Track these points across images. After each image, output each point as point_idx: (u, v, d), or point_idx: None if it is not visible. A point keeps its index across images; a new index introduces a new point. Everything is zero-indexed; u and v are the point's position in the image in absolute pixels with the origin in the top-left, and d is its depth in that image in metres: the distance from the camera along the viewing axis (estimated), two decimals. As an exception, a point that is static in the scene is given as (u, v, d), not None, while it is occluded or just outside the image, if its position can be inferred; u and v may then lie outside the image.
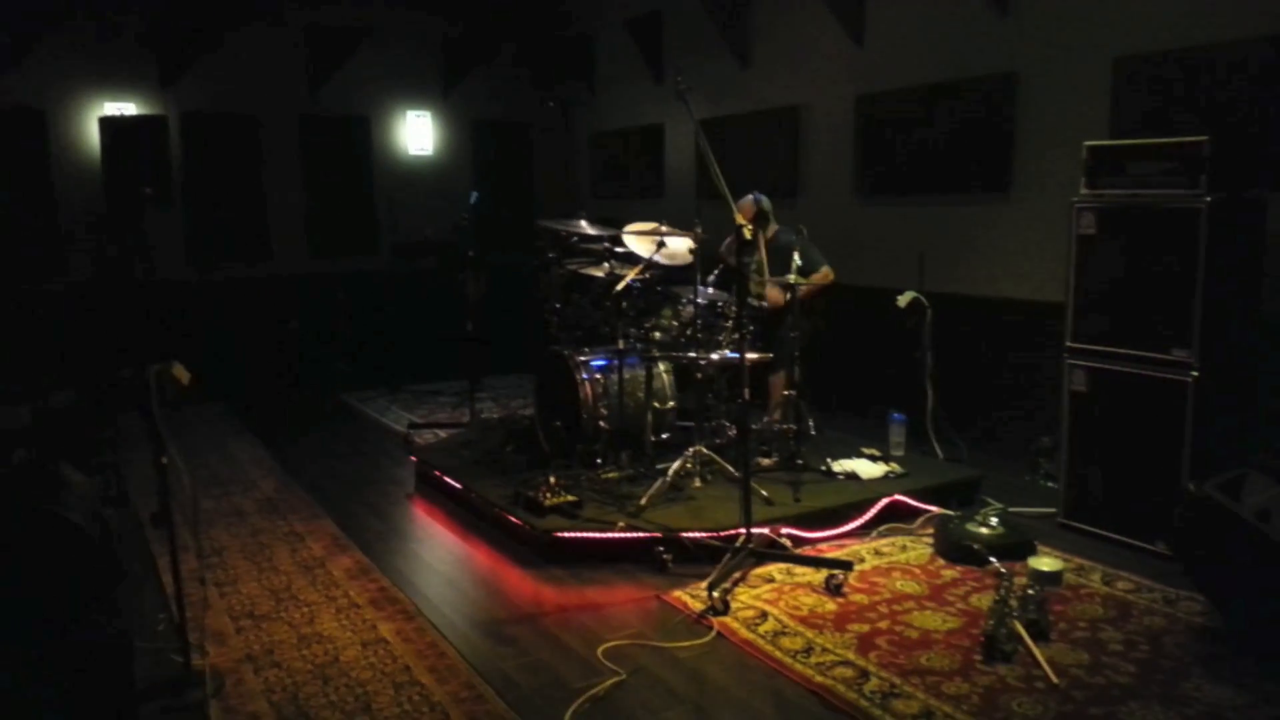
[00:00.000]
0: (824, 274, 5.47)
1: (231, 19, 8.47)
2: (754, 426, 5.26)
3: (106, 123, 8.02)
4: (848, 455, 5.12)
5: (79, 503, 3.05)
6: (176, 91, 8.43)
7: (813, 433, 5.38)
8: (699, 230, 4.81)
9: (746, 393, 4.10)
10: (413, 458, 5.74)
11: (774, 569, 4.06)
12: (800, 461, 4.91)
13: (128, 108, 8.23)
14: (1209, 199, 3.90)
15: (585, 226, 5.42)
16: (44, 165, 7.98)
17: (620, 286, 4.94)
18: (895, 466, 4.95)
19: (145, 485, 5.12)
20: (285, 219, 9.01)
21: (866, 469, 4.91)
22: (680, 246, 5.13)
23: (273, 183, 8.93)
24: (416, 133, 9.59)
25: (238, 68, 8.65)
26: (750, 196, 5.61)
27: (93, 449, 4.50)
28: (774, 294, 5.42)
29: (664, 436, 5.21)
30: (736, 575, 3.94)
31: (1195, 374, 3.95)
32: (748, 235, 3.88)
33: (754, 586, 3.91)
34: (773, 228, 5.70)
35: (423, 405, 7.71)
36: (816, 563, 4.02)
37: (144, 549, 4.47)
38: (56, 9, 7.81)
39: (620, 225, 5.32)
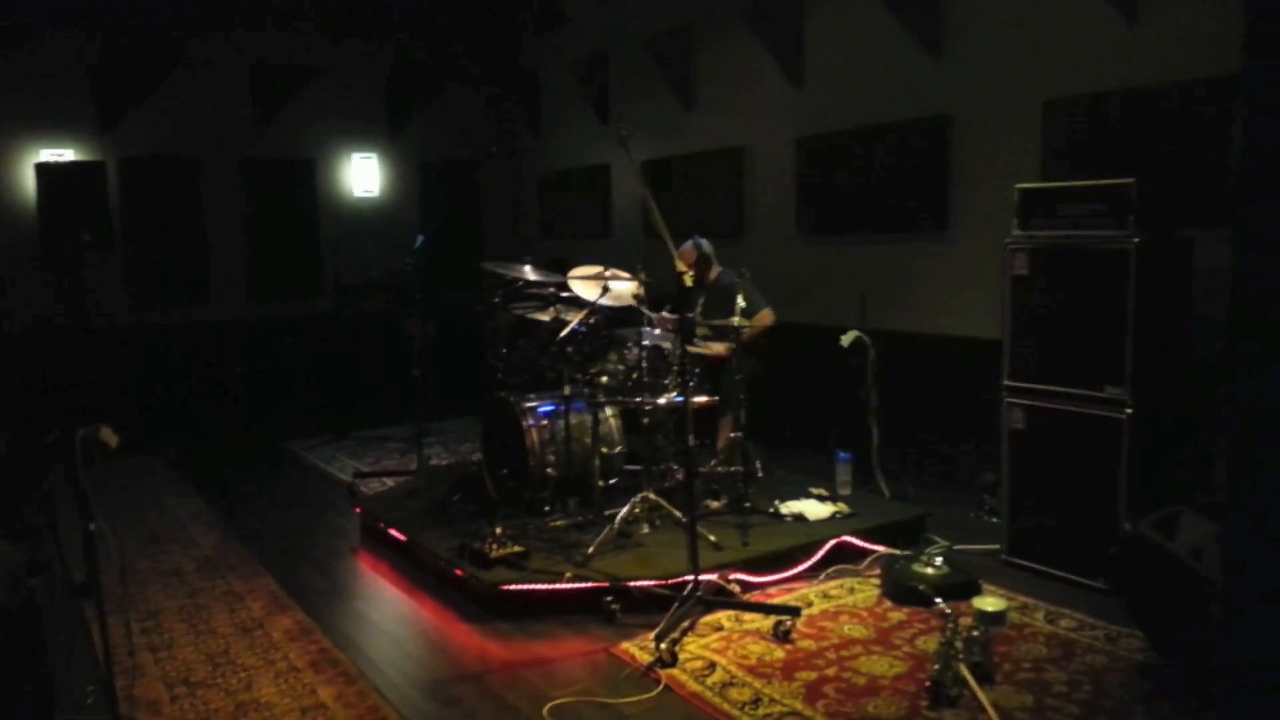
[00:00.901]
0: (764, 316, 5.51)
1: (172, 60, 8.37)
2: (701, 469, 5.26)
3: (43, 169, 7.96)
4: (796, 496, 5.12)
5: (3, 574, 2.94)
6: (116, 135, 8.29)
7: (760, 474, 5.38)
8: (642, 274, 4.82)
9: (691, 439, 4.09)
10: (357, 509, 5.64)
11: (722, 616, 4.04)
12: (748, 504, 4.91)
13: (66, 153, 8.09)
14: (1137, 239, 3.99)
15: (529, 272, 5.41)
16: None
17: (564, 333, 4.92)
18: (842, 506, 4.96)
19: (77, 548, 4.96)
20: (227, 262, 8.89)
21: (814, 510, 4.91)
22: (626, 289, 5.13)
23: (215, 226, 8.81)
24: (362, 174, 9.54)
25: (179, 110, 8.54)
26: (691, 241, 5.65)
27: (20, 507, 4.34)
28: (715, 346, 5.45)
29: (612, 481, 5.19)
30: (685, 624, 3.91)
31: (1129, 411, 4.03)
32: (688, 283, 3.89)
33: (703, 635, 3.88)
34: (715, 270, 5.74)
35: (370, 452, 7.59)
36: (764, 609, 4.01)
37: (78, 616, 4.31)
38: (-10, 53, 7.69)
39: (568, 265, 5.32)
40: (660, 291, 5.58)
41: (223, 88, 8.70)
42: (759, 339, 5.56)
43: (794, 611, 3.91)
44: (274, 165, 9.04)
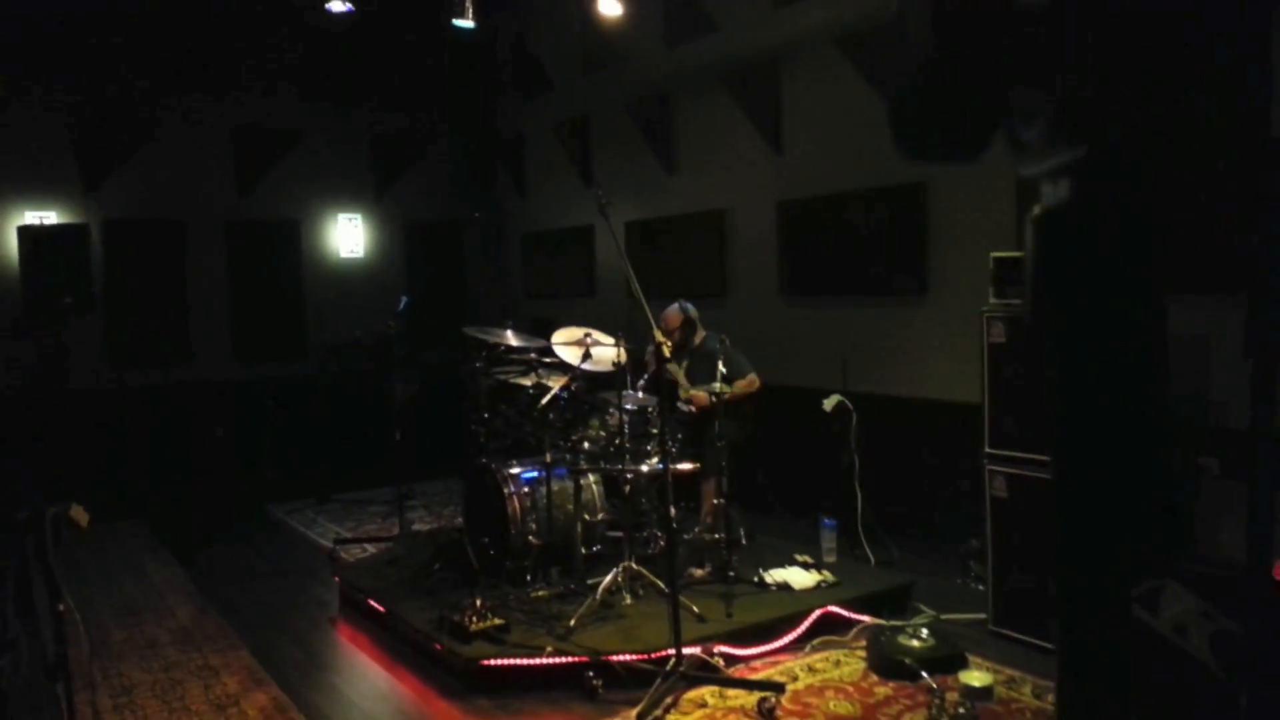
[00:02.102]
0: (749, 381, 5.52)
1: (155, 123, 8.42)
2: (685, 536, 5.22)
3: (25, 232, 7.95)
4: (780, 563, 5.08)
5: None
6: (100, 197, 8.30)
7: (744, 542, 5.35)
8: (623, 342, 4.83)
9: (672, 511, 4.07)
10: (336, 578, 5.57)
11: (706, 692, 3.98)
12: (732, 573, 4.87)
13: (49, 215, 8.09)
14: (1111, 310, 4.02)
15: (510, 337, 5.41)
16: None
17: (546, 400, 4.91)
18: (827, 575, 4.92)
19: (49, 625, 4.86)
20: (210, 323, 8.86)
21: (799, 578, 4.88)
22: (608, 353, 5.12)
23: (198, 287, 8.79)
24: (348, 235, 9.58)
25: (164, 172, 8.56)
26: (676, 305, 5.68)
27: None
28: (699, 395, 5.43)
29: (595, 549, 5.14)
30: (668, 701, 3.84)
31: (1110, 480, 4.02)
32: (666, 353, 3.90)
33: (686, 713, 3.82)
34: (700, 334, 5.76)
35: (352, 516, 7.51)
36: (748, 685, 3.95)
37: (48, 693, 4.21)
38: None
39: (553, 324, 5.33)
40: (642, 355, 5.60)
41: (206, 150, 8.75)
42: (743, 403, 5.56)
43: (778, 688, 3.85)
44: (258, 227, 9.07)
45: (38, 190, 8.06)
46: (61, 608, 3.07)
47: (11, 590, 3.87)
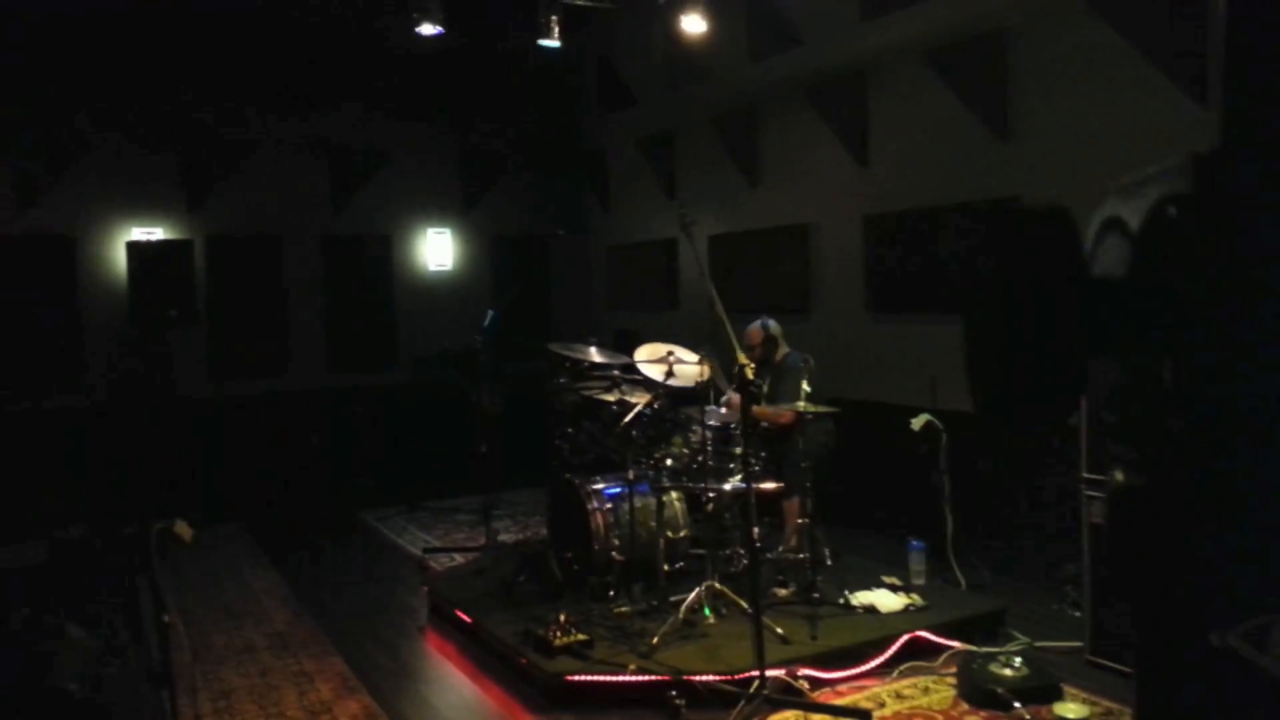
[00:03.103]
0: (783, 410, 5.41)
1: (253, 143, 8.75)
2: (768, 555, 5.19)
3: (133, 247, 8.35)
4: (866, 584, 5.01)
5: (77, 663, 3.03)
6: (203, 213, 8.67)
7: (829, 562, 5.28)
8: (706, 359, 4.83)
9: (755, 530, 4.04)
10: (425, 588, 5.68)
11: (790, 715, 3.94)
12: (817, 594, 4.80)
13: (155, 232, 8.48)
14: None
15: (594, 354, 5.46)
16: (71, 289, 8.16)
17: (629, 418, 4.94)
18: (916, 598, 4.83)
19: (153, 634, 5.09)
20: (306, 335, 9.16)
21: (886, 601, 4.79)
22: (691, 369, 5.13)
23: (294, 300, 9.10)
24: (436, 249, 9.79)
25: (262, 190, 8.90)
26: (759, 322, 5.65)
27: (95, 595, 4.49)
28: (784, 414, 5.37)
29: (678, 566, 5.15)
30: (751, 723, 3.82)
31: (1216, 508, 3.85)
32: (750, 375, 3.88)
33: (769, 736, 3.79)
34: (782, 350, 5.71)
35: (440, 524, 7.67)
36: (833, 710, 3.90)
37: (153, 699, 4.41)
38: (86, 136, 8.11)
39: (636, 337, 5.35)
40: (725, 364, 5.58)
41: (301, 169, 9.06)
42: (824, 421, 5.48)
43: (865, 715, 3.79)
44: (352, 241, 9.34)
45: (145, 207, 8.46)
46: (167, 619, 3.21)
47: (120, 600, 4.09)
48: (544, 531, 6.20)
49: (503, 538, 6.80)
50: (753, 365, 4.10)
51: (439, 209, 9.79)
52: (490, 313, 7.49)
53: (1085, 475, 4.36)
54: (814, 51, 7.04)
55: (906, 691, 4.18)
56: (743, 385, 3.90)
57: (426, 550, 6.69)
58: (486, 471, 6.74)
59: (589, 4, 7.85)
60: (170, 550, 3.26)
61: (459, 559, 6.50)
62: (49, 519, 5.61)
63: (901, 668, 4.37)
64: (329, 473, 8.81)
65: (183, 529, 3.23)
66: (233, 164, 8.73)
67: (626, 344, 5.46)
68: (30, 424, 7.69)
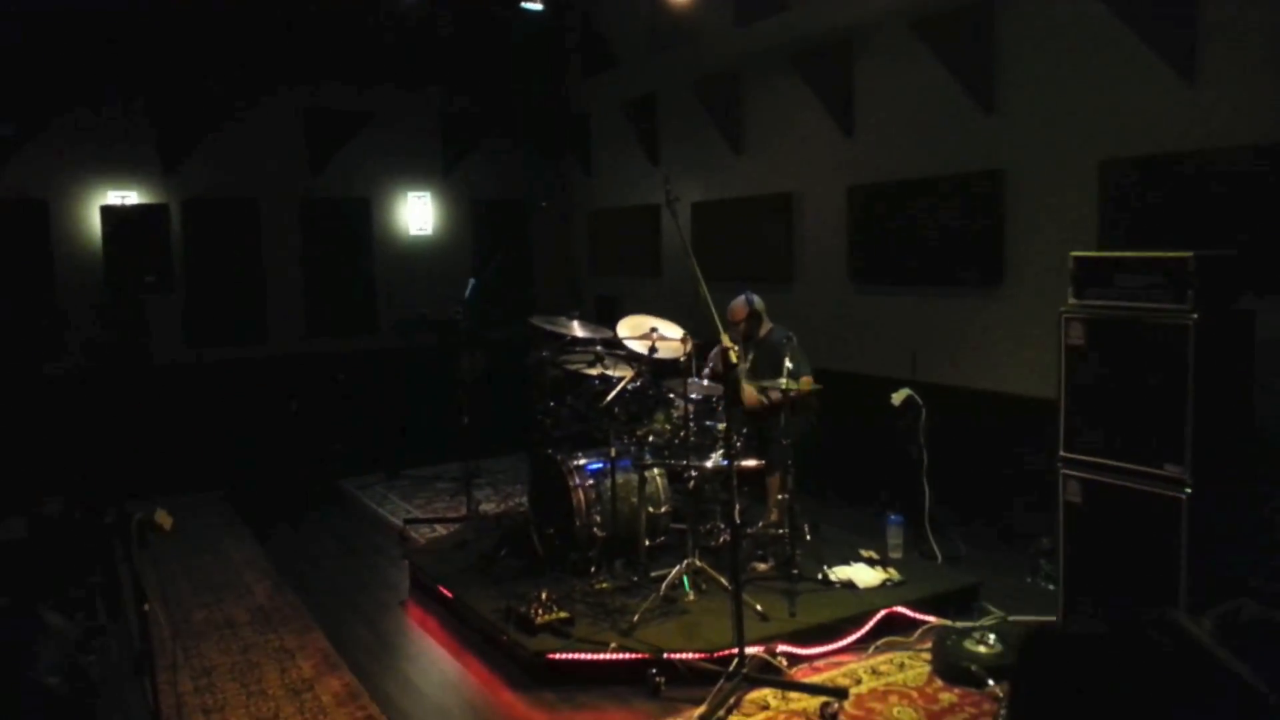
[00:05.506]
0: (805, 383, 5.42)
1: (230, 106, 8.58)
2: (749, 530, 5.22)
3: (108, 212, 8.20)
4: (845, 558, 5.05)
5: (55, 654, 3.02)
6: (179, 177, 8.50)
7: (808, 537, 5.32)
8: (688, 338, 4.82)
9: (738, 510, 4.06)
10: (406, 561, 5.70)
11: (768, 693, 3.99)
12: (796, 570, 4.85)
13: (130, 195, 8.33)
14: (1196, 315, 3.87)
15: (577, 328, 5.43)
16: (46, 254, 8.01)
17: (611, 396, 4.93)
18: (893, 573, 4.88)
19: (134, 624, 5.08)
20: (283, 300, 9.05)
21: (864, 576, 4.84)
22: (673, 340, 5.10)
23: (271, 264, 8.98)
24: (416, 213, 9.67)
25: (239, 153, 8.73)
26: (743, 297, 5.62)
27: (74, 580, 4.47)
28: (772, 393, 5.37)
29: (659, 541, 5.18)
30: (730, 701, 3.87)
31: (1189, 491, 3.90)
32: (734, 359, 3.87)
33: (748, 715, 3.84)
34: (766, 326, 5.70)
35: (421, 492, 7.68)
36: (810, 689, 3.95)
37: (131, 684, 4.41)
38: (59, 98, 7.92)
39: (618, 302, 5.33)
40: (706, 341, 5.57)
41: (279, 131, 8.89)
42: (809, 399, 5.50)
43: (841, 694, 3.85)
44: (330, 205, 9.21)
45: (119, 171, 8.29)
46: (146, 607, 3.21)
47: (99, 582, 4.08)
48: (525, 502, 6.21)
49: (484, 507, 6.81)
50: (736, 348, 4.08)
51: (419, 172, 9.64)
52: (471, 281, 7.43)
53: (1063, 454, 4.39)
54: (800, 16, 6.92)
55: (883, 668, 4.24)
56: (727, 369, 3.89)
57: (407, 521, 6.69)
58: (467, 439, 6.74)
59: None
60: (151, 540, 3.24)
61: (440, 530, 6.52)
62: (27, 491, 5.55)
63: (878, 643, 4.43)
64: (308, 440, 8.77)
65: (163, 517, 3.21)
66: (209, 126, 8.54)
67: (608, 311, 5.43)
68: (7, 392, 7.60)
